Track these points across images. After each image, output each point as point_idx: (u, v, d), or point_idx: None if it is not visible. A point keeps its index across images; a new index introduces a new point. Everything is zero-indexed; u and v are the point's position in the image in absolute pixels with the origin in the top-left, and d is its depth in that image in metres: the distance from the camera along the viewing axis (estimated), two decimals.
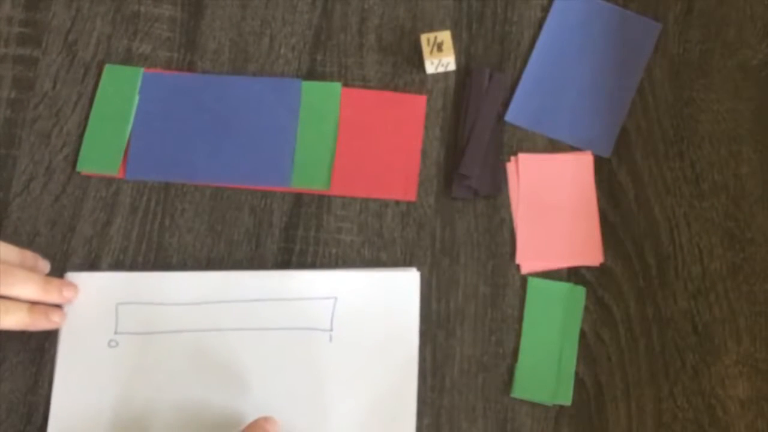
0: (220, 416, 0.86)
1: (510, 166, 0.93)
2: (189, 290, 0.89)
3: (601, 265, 0.90)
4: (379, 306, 0.88)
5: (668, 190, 0.92)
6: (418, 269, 0.90)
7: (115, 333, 0.89)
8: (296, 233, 0.92)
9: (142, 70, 0.96)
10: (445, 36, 0.93)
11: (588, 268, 0.90)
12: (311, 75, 0.96)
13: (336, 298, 0.89)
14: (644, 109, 0.94)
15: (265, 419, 0.82)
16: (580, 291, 0.89)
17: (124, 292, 0.89)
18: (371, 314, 0.88)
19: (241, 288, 0.89)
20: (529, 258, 0.90)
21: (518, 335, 0.89)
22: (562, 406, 0.87)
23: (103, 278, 0.90)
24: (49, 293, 0.87)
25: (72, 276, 0.90)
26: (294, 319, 0.88)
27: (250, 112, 0.95)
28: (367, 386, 0.87)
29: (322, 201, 0.93)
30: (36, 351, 0.89)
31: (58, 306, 0.88)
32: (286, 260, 0.91)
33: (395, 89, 0.95)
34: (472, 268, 0.90)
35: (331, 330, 0.88)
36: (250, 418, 0.83)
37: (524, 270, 0.90)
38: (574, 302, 0.89)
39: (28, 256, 0.88)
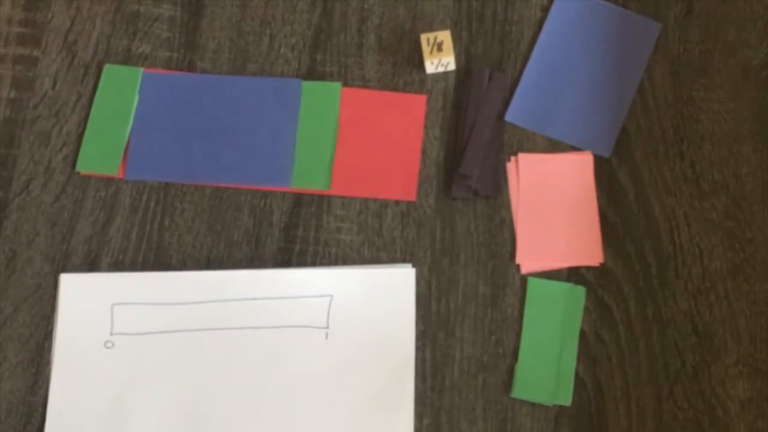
0: (218, 415, 0.86)
1: (510, 166, 0.93)
2: (183, 290, 0.89)
3: (601, 265, 0.90)
4: (375, 303, 0.88)
5: (668, 190, 0.92)
6: (418, 269, 0.90)
7: (111, 334, 0.89)
8: (296, 233, 0.92)
9: (141, 70, 0.96)
10: (445, 36, 0.93)
11: (588, 268, 0.90)
12: (311, 75, 0.96)
13: (332, 296, 0.89)
14: (644, 109, 0.94)
15: None
16: (580, 291, 0.89)
17: (118, 292, 0.89)
18: (367, 311, 0.88)
19: (237, 287, 0.89)
20: (529, 258, 0.90)
21: (518, 335, 0.88)
22: (562, 406, 0.87)
23: (97, 279, 0.90)
24: None
25: (66, 277, 0.90)
26: (290, 317, 0.88)
27: (250, 112, 0.95)
28: (364, 383, 0.87)
29: (322, 201, 0.93)
30: (36, 351, 0.89)
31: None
32: (285, 260, 0.91)
33: (395, 89, 0.95)
34: (472, 268, 0.90)
35: (327, 327, 0.88)
36: (248, 417, 0.82)
37: (524, 270, 0.90)
38: (574, 302, 0.89)
39: None
